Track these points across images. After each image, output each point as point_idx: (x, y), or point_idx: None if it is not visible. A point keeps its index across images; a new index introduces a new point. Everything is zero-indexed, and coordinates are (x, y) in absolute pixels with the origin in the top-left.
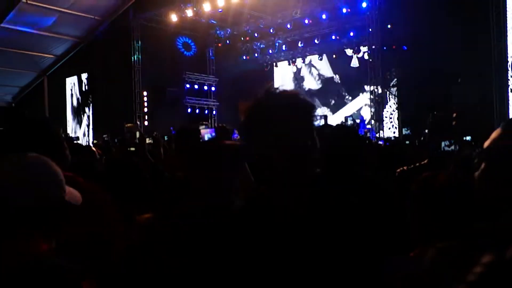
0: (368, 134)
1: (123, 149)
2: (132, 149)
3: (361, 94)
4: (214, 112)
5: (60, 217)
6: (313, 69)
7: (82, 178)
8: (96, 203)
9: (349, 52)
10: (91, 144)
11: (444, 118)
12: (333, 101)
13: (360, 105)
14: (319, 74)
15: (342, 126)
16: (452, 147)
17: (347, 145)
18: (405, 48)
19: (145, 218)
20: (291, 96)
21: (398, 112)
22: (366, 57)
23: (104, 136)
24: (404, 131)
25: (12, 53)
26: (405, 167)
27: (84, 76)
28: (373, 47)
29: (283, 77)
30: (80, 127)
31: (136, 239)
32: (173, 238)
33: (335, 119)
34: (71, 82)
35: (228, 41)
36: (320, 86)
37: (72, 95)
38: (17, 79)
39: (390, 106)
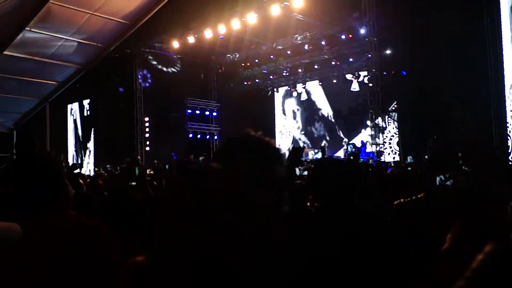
0: (371, 161)
1: (124, 184)
2: (133, 183)
3: (361, 119)
4: (215, 137)
5: None
6: (313, 94)
7: (81, 211)
8: (99, 243)
9: (349, 76)
10: (92, 173)
11: (441, 152)
12: (332, 126)
13: (361, 130)
14: (318, 99)
15: (340, 160)
16: (448, 182)
17: (346, 181)
18: (404, 73)
19: (138, 261)
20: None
21: (398, 137)
22: (366, 81)
23: (108, 166)
24: (409, 160)
25: (14, 79)
26: (402, 200)
27: (86, 102)
28: (373, 71)
29: (283, 102)
30: (81, 154)
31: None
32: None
33: (335, 146)
34: (73, 109)
35: (229, 67)
36: (320, 110)
37: (74, 121)
38: (19, 105)
39: (389, 131)
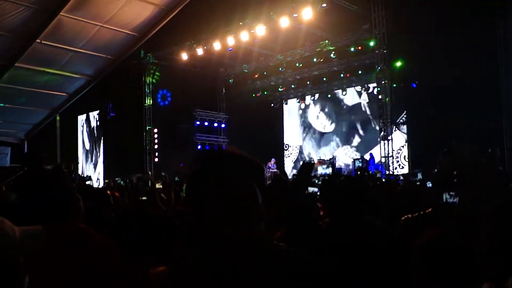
0: (378, 175)
1: (135, 198)
2: (144, 198)
3: (370, 130)
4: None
5: (12, 276)
6: (321, 106)
7: (90, 225)
8: (107, 257)
9: (358, 88)
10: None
11: (448, 171)
12: (341, 138)
13: (369, 142)
14: (328, 111)
15: (348, 177)
16: (455, 200)
17: (355, 198)
18: (414, 85)
19: (159, 272)
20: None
21: (408, 150)
22: (375, 92)
23: (117, 179)
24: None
25: (25, 91)
26: (409, 215)
27: (95, 113)
28: (382, 83)
29: (291, 114)
30: (90, 165)
31: None
32: None
33: (344, 157)
34: (82, 120)
35: (238, 79)
36: (328, 123)
37: (83, 132)
38: (30, 116)
39: (400, 142)
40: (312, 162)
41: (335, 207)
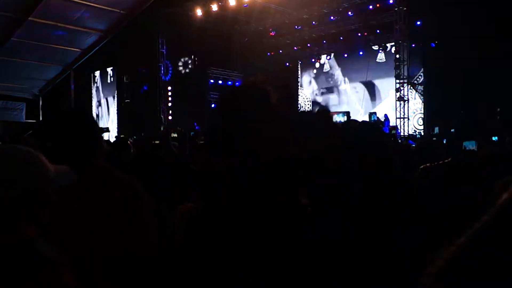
0: (394, 132)
1: (148, 143)
2: (157, 142)
3: (386, 91)
4: None
5: (42, 207)
6: (337, 65)
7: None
8: (131, 194)
9: (375, 47)
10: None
11: (469, 120)
12: (357, 98)
13: (385, 101)
14: (343, 71)
15: (367, 122)
16: (474, 147)
17: (372, 141)
18: (433, 45)
19: (190, 208)
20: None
21: (424, 110)
22: (393, 51)
23: (130, 139)
24: (435, 130)
25: (39, 46)
26: (428, 164)
27: (109, 69)
28: (400, 42)
29: (307, 72)
30: (104, 120)
31: (183, 230)
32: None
33: (359, 117)
34: (96, 75)
35: (253, 37)
36: (343, 83)
37: (97, 88)
38: (44, 72)
39: (414, 104)
40: (327, 110)
41: (352, 152)
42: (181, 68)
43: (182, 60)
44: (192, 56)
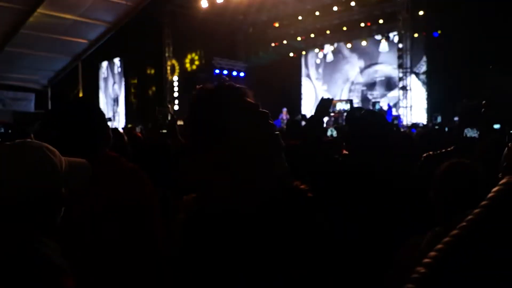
0: (396, 121)
1: (155, 131)
2: (164, 131)
3: (389, 81)
4: None
5: (52, 207)
6: (340, 55)
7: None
8: (137, 184)
9: (378, 37)
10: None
11: (472, 107)
12: (360, 88)
13: (389, 91)
14: (346, 61)
15: (372, 111)
16: (476, 135)
17: (376, 130)
18: (436, 34)
19: (191, 198)
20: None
21: (427, 99)
22: (395, 40)
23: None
24: (437, 119)
25: (48, 38)
26: (431, 152)
27: (116, 60)
28: (402, 32)
29: (310, 62)
30: (111, 111)
31: (185, 220)
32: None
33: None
34: (103, 66)
35: (257, 27)
36: (348, 72)
37: (104, 79)
38: (52, 63)
39: (417, 94)
40: (331, 98)
41: (353, 139)
42: (188, 66)
43: (189, 56)
44: (199, 52)
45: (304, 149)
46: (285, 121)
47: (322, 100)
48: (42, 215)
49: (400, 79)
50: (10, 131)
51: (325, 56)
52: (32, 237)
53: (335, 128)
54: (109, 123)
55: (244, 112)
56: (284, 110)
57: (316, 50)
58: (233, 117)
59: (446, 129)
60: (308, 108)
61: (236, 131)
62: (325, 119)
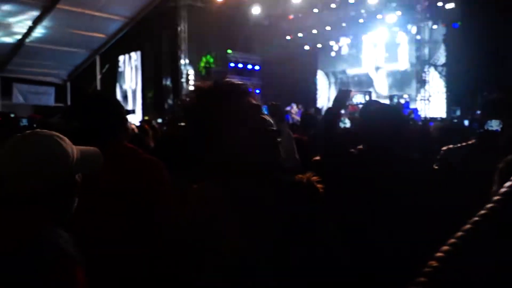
0: (412, 115)
1: (174, 124)
2: (183, 124)
3: (407, 73)
4: (257, 92)
5: (66, 195)
6: (357, 47)
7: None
8: (154, 174)
9: (395, 29)
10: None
11: (495, 99)
12: (376, 80)
13: (407, 84)
14: (362, 53)
15: (386, 105)
16: (498, 128)
17: (389, 124)
18: (457, 25)
19: (201, 185)
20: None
21: (446, 92)
22: (413, 31)
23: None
24: (456, 112)
25: (67, 32)
26: (451, 146)
27: (134, 55)
28: (421, 24)
29: (326, 57)
30: (128, 105)
31: (196, 207)
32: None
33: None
34: (121, 60)
35: (272, 20)
36: (364, 65)
37: (121, 73)
38: (71, 58)
39: (436, 86)
40: (349, 89)
41: (368, 133)
42: (202, 68)
43: (204, 59)
44: (215, 54)
45: (320, 142)
46: (294, 116)
47: (340, 91)
48: (56, 204)
49: (418, 71)
50: (35, 125)
51: (340, 48)
52: (46, 227)
53: (349, 119)
54: (131, 116)
55: (237, 110)
56: (293, 105)
57: (332, 42)
58: (225, 116)
59: (466, 122)
60: (322, 101)
61: (228, 130)
62: (342, 111)
